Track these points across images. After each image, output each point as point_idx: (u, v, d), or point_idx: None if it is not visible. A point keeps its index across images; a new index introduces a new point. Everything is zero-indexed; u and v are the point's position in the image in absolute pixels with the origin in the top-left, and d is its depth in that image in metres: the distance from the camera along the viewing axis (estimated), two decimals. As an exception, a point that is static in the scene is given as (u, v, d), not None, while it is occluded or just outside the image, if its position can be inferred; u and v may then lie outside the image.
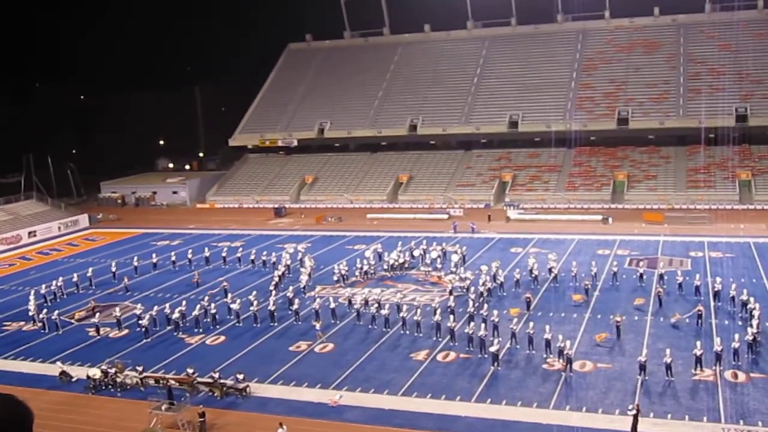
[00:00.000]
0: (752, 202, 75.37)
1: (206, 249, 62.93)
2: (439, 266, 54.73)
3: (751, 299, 40.65)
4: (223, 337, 42.71)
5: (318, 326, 41.73)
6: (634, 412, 28.77)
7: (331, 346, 40.26)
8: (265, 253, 60.22)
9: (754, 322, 36.98)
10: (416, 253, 57.90)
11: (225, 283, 51.25)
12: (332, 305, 44.56)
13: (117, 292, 53.76)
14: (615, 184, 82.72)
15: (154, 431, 30.81)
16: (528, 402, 31.86)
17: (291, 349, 39.98)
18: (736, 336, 35.15)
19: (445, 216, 77.29)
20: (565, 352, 34.73)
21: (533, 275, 49.60)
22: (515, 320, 39.70)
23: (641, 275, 48.67)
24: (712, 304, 43.08)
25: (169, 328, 43.98)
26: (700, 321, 39.86)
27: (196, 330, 43.63)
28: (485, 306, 43.45)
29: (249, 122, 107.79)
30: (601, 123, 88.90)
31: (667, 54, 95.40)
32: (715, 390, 32.04)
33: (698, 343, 34.44)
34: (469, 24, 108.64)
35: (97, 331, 44.19)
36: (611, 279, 49.22)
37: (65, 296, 53.15)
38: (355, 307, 44.68)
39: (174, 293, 52.27)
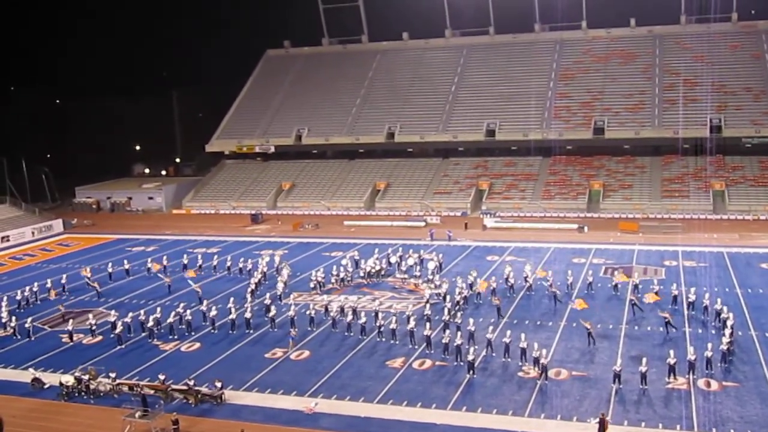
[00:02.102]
0: (726, 212, 76.18)
1: (185, 256, 62.46)
2: (416, 274, 54.77)
3: (725, 308, 41.06)
4: (198, 344, 42.41)
5: (293, 333, 41.62)
6: (597, 420, 29.00)
7: (306, 353, 40.12)
8: (241, 259, 59.92)
9: (727, 332, 37.34)
10: (393, 260, 57.94)
11: (198, 289, 51.00)
12: (311, 312, 44.46)
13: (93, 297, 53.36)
14: (591, 193, 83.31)
15: None
16: (503, 410, 31.93)
17: (267, 356, 39.81)
18: (710, 345, 35.48)
19: (422, 223, 77.39)
20: (540, 361, 34.87)
21: (509, 283, 49.81)
22: (490, 329, 39.76)
23: (616, 284, 49.01)
24: (686, 313, 43.51)
25: (143, 334, 43.64)
26: (668, 328, 40.32)
27: (170, 337, 43.31)
28: (460, 314, 43.59)
29: (226, 128, 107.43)
30: (577, 132, 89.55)
31: (643, 65, 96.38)
32: (688, 398, 32.30)
33: (672, 352, 34.70)
34: (447, 32, 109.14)
35: (71, 337, 43.75)
36: (586, 288, 49.46)
37: (38, 302, 52.57)
38: (331, 314, 44.60)
39: (149, 299, 51.88)
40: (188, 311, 45.19)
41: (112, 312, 45.65)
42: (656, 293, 44.99)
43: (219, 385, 34.22)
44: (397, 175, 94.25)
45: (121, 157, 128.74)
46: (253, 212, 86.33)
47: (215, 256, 62.06)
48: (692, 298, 44.20)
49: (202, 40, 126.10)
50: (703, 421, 30.07)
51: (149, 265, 60.39)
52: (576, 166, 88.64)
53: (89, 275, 56.84)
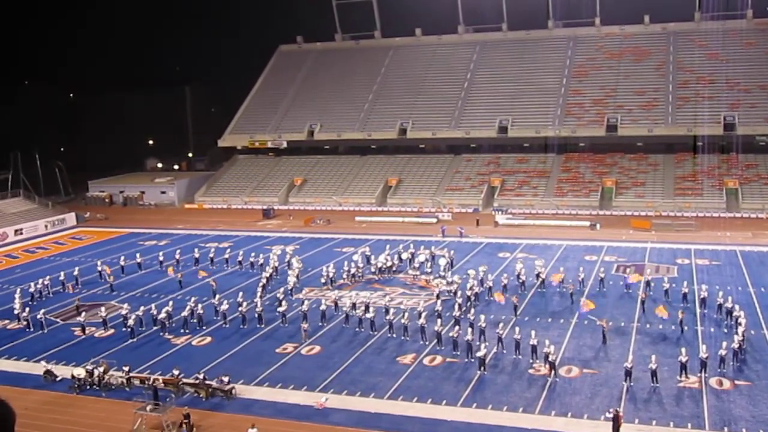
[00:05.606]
0: (739, 210, 75.73)
1: (196, 250, 62.66)
2: (428, 270, 54.74)
3: (737, 307, 40.89)
4: (209, 338, 42.55)
5: (305, 327, 41.69)
6: (611, 416, 28.91)
7: (317, 348, 40.17)
8: (253, 254, 60.04)
9: (740, 330, 37.15)
10: (404, 256, 57.90)
11: (213, 282, 51.12)
12: (322, 307, 44.53)
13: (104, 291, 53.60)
14: (603, 190, 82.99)
15: None
16: (514, 407, 31.89)
17: (277, 351, 39.88)
18: (722, 343, 35.32)
19: (434, 220, 77.31)
20: (549, 358, 34.80)
21: (520, 280, 49.72)
22: (501, 325, 39.72)
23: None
24: (698, 311, 43.31)
25: (155, 328, 43.82)
26: (681, 326, 40.20)
27: (182, 331, 43.45)
28: (472, 310, 43.55)
29: (239, 123, 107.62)
30: (590, 129, 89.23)
31: (657, 62, 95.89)
32: (699, 397, 32.16)
33: (683, 350, 34.55)
34: (460, 28, 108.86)
35: (83, 330, 43.98)
36: (598, 285, 49.29)
37: (51, 295, 52.88)
38: (343, 309, 44.65)
39: (161, 293, 52.08)
40: (200, 305, 45.36)
41: (125, 305, 45.85)
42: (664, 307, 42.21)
43: (226, 379, 34.34)
44: (408, 171, 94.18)
45: (134, 152, 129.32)
46: (265, 207, 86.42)
47: (227, 251, 62.19)
48: (704, 295, 43.99)
49: (215, 35, 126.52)
50: (714, 420, 29.94)
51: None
52: (588, 163, 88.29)
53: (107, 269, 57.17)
